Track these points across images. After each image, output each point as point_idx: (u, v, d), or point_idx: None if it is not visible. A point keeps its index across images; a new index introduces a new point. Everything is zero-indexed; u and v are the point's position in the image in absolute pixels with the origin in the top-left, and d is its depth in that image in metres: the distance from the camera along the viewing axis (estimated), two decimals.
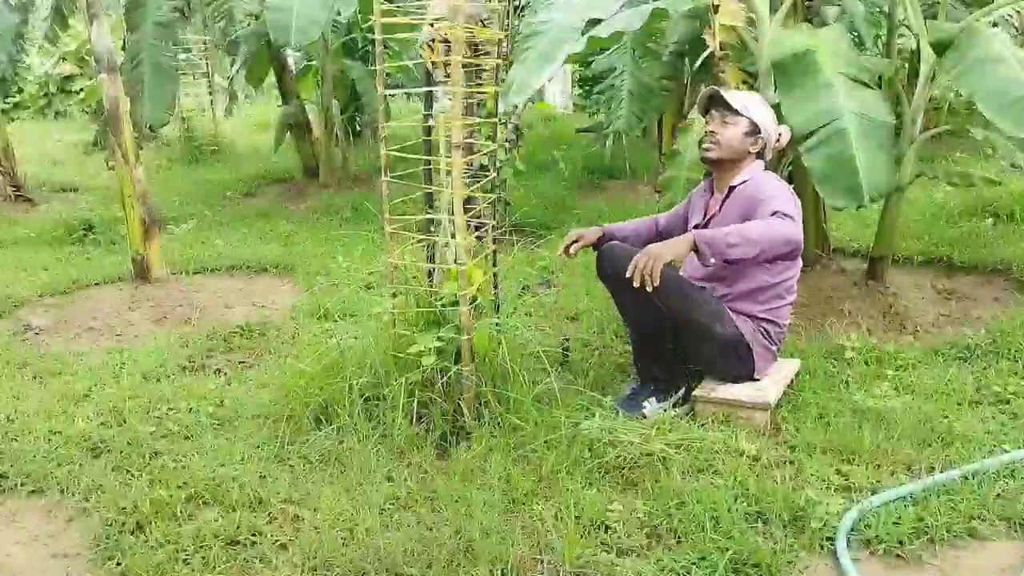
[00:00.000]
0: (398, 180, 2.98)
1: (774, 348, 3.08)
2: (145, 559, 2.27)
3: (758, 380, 3.03)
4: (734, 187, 3.04)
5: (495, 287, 3.23)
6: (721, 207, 3.07)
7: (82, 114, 13.71)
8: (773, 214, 2.79)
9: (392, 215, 2.96)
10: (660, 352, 3.04)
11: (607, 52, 6.18)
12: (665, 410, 2.99)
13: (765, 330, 3.03)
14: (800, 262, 3.09)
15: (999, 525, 2.35)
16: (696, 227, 3.09)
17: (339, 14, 7.14)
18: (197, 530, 2.39)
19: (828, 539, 2.30)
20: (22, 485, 2.71)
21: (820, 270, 4.24)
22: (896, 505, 2.41)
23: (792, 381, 3.16)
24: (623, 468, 2.64)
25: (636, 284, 2.64)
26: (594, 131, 7.26)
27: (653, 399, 3.01)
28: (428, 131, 2.98)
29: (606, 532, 2.36)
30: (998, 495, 2.44)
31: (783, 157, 4.13)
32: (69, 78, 13.92)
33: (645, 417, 2.91)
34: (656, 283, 2.64)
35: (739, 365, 3.01)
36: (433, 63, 2.92)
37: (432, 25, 2.81)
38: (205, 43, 10.10)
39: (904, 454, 2.69)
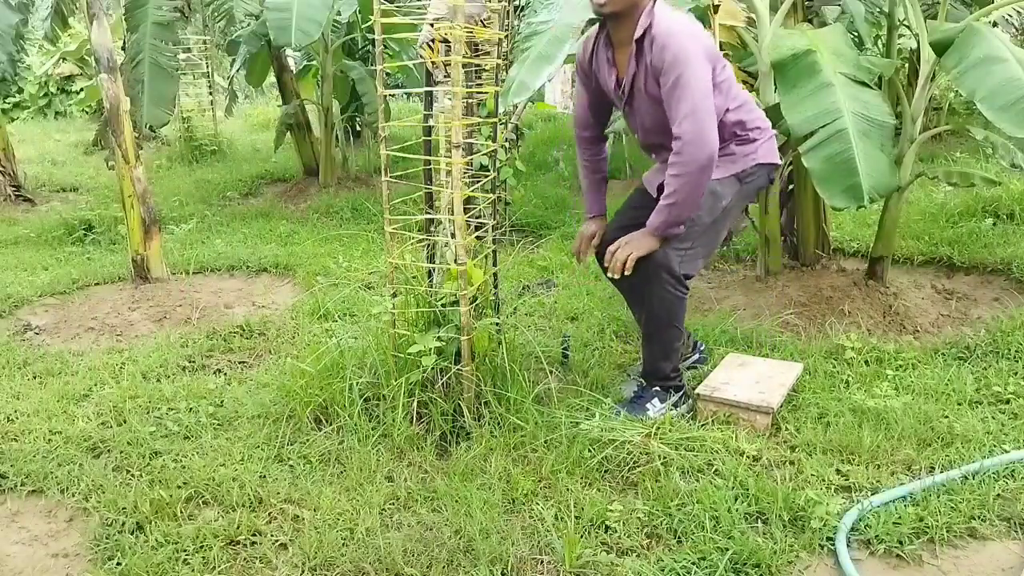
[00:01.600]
0: (398, 180, 2.98)
1: (761, 137, 3.02)
2: (145, 559, 2.27)
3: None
4: (640, 40, 2.84)
5: (495, 287, 3.23)
6: (637, 64, 2.87)
7: (82, 114, 13.71)
8: (676, 137, 2.74)
9: (392, 215, 2.96)
10: (668, 343, 3.03)
11: None
12: (668, 411, 2.99)
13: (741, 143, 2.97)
14: (728, 70, 2.96)
15: (999, 525, 2.35)
16: (619, 86, 3.00)
17: (339, 14, 7.14)
18: (197, 530, 2.39)
19: (828, 539, 2.30)
20: (22, 485, 2.71)
21: (820, 270, 4.24)
22: (896, 505, 2.42)
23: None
24: (623, 468, 2.64)
25: (617, 277, 2.92)
26: None
27: (656, 400, 3.01)
28: (428, 131, 2.98)
29: (606, 532, 2.36)
30: (998, 495, 2.45)
31: (782, 158, 4.14)
32: (69, 78, 13.91)
33: (650, 418, 2.91)
34: (629, 272, 2.88)
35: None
36: (433, 63, 2.92)
37: (432, 25, 2.81)
38: (205, 43, 10.09)
39: (904, 454, 2.69)
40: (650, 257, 2.89)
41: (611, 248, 2.94)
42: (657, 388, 3.05)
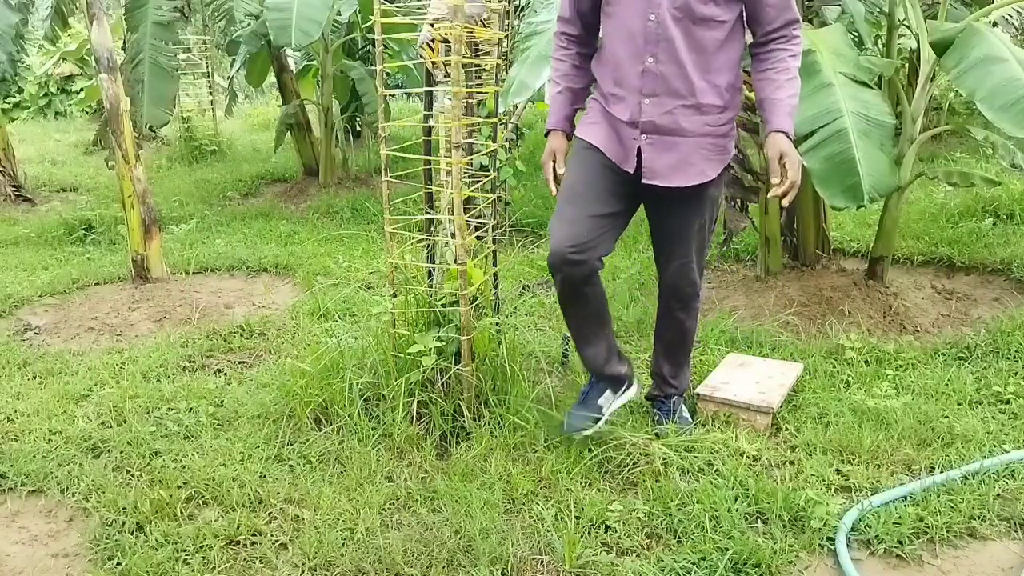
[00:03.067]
0: (398, 180, 2.98)
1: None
2: (145, 559, 2.27)
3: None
4: None
5: (495, 287, 3.23)
6: None
7: (82, 114, 13.71)
8: (788, 29, 2.53)
9: (392, 215, 2.96)
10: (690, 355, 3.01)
11: None
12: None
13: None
14: None
15: (999, 525, 2.35)
16: None
17: (339, 14, 7.14)
18: (197, 530, 2.39)
19: (828, 539, 2.30)
20: (22, 485, 2.71)
21: (820, 270, 4.24)
22: (896, 505, 2.42)
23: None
24: (623, 468, 2.64)
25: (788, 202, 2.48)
26: None
27: (684, 407, 2.95)
28: (428, 131, 2.99)
29: (606, 532, 2.36)
30: (998, 495, 2.45)
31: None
32: (69, 78, 13.92)
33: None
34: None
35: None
36: (433, 63, 2.92)
37: (432, 25, 2.81)
38: (205, 43, 10.10)
39: (904, 454, 2.69)
40: (683, 288, 2.76)
41: (778, 180, 2.46)
42: (680, 398, 2.98)
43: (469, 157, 3.20)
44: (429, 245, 3.10)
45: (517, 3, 6.22)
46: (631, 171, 2.56)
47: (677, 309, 2.83)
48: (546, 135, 2.75)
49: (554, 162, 2.69)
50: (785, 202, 2.45)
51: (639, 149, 2.53)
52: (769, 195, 2.59)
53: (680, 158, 2.54)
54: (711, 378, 3.10)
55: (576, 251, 2.53)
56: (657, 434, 2.79)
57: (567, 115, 2.73)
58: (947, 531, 2.31)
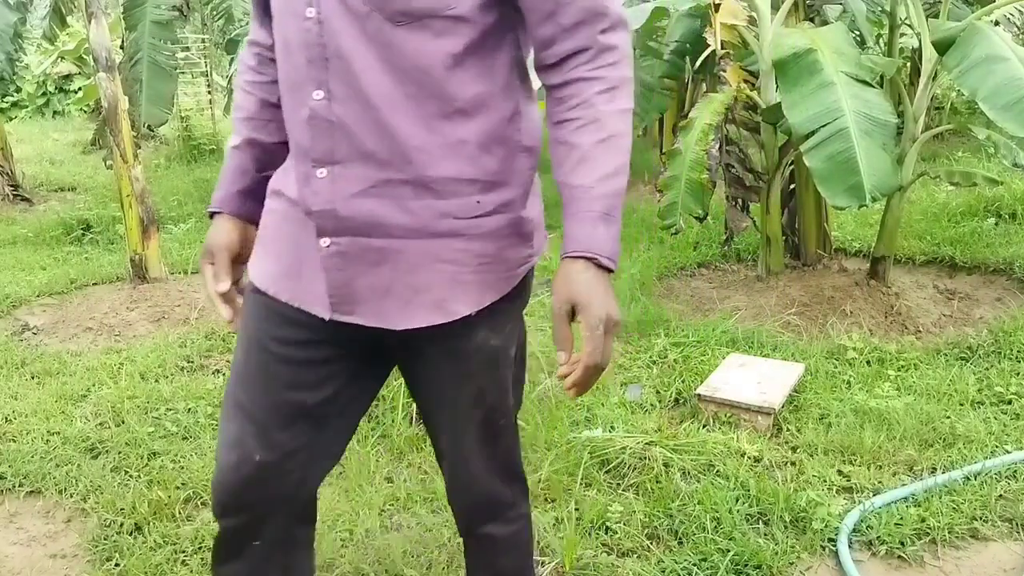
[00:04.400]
0: None
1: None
2: (143, 560, 2.26)
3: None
4: None
5: None
6: None
7: (80, 113, 13.69)
8: (590, 33, 1.29)
9: None
10: None
11: None
12: None
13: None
14: None
15: (1001, 526, 2.34)
16: None
17: None
18: (196, 531, 2.38)
19: (830, 540, 2.29)
20: (20, 486, 2.70)
21: (822, 270, 4.23)
22: (898, 506, 2.41)
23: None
24: (623, 469, 2.63)
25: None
26: None
27: None
28: None
29: (606, 533, 2.35)
30: (1000, 496, 2.44)
31: (784, 157, 4.13)
32: (67, 77, 13.89)
33: None
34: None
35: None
36: None
37: None
38: (204, 42, 10.09)
39: (906, 455, 2.68)
40: (482, 505, 1.55)
41: (565, 358, 1.28)
42: None
43: None
44: None
45: None
46: (326, 315, 1.37)
47: (481, 540, 1.61)
48: (211, 219, 1.58)
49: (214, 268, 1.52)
50: (571, 392, 1.29)
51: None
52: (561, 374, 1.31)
53: (397, 277, 1.35)
54: (712, 379, 3.09)
55: (237, 495, 1.43)
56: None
57: (242, 188, 1.55)
58: (949, 532, 2.31)
